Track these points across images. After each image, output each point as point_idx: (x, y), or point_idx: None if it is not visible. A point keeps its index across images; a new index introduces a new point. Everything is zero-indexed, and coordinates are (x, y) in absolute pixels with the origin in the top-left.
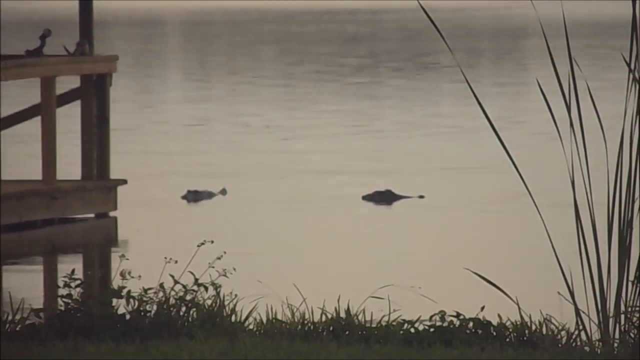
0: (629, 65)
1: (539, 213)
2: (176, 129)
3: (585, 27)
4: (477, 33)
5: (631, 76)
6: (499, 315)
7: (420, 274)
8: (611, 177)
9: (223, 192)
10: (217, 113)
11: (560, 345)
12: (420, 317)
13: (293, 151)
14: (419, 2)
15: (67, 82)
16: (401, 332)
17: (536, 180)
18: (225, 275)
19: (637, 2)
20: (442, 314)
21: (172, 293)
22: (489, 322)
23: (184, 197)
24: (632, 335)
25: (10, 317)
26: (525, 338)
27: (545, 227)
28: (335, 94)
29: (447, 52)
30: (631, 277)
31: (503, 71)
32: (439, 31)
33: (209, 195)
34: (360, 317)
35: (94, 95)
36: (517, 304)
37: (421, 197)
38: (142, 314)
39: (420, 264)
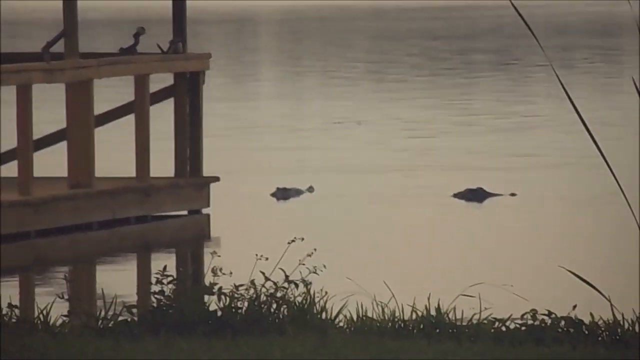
0: None
1: (632, 211)
2: (268, 126)
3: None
4: (571, 30)
5: None
6: (591, 314)
7: (511, 273)
8: None
9: (310, 189)
10: (308, 110)
11: None
12: (511, 315)
13: (382, 147)
14: (510, 2)
15: (160, 80)
16: (492, 330)
17: (630, 178)
18: (315, 273)
19: None
20: (534, 313)
21: (263, 290)
22: (581, 321)
23: (273, 195)
24: None
25: (103, 314)
26: (617, 337)
27: (638, 225)
28: (428, 90)
29: (538, 49)
30: None
31: (595, 69)
32: (530, 29)
33: (297, 192)
34: (450, 315)
35: (187, 93)
36: (610, 303)
37: (513, 194)
38: (234, 310)
39: (512, 262)
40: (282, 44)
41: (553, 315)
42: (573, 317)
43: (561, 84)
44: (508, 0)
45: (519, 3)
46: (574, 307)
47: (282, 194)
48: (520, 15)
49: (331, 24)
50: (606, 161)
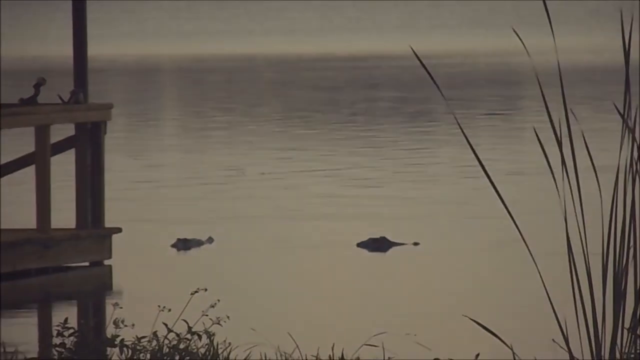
0: (621, 114)
1: (533, 260)
2: (169, 176)
3: (580, 73)
4: (472, 81)
5: (624, 125)
6: None
7: (415, 322)
8: (605, 224)
9: (210, 240)
10: (211, 160)
11: None
12: None
13: (285, 197)
14: (411, 48)
15: (61, 131)
16: None
17: (531, 226)
18: (218, 324)
19: (629, 53)
20: None
21: (166, 342)
22: None
23: (173, 246)
24: None
25: None
26: None
27: (539, 273)
28: (329, 140)
29: (442, 99)
30: (626, 325)
31: (498, 118)
32: (432, 79)
33: (198, 243)
34: None
35: (89, 144)
36: (512, 351)
37: (416, 243)
38: None
39: (416, 311)
40: (185, 93)
41: None
42: None
43: (463, 133)
44: (411, 51)
45: (422, 55)
46: (477, 355)
47: (183, 244)
48: (423, 65)
49: (236, 74)
50: (507, 208)
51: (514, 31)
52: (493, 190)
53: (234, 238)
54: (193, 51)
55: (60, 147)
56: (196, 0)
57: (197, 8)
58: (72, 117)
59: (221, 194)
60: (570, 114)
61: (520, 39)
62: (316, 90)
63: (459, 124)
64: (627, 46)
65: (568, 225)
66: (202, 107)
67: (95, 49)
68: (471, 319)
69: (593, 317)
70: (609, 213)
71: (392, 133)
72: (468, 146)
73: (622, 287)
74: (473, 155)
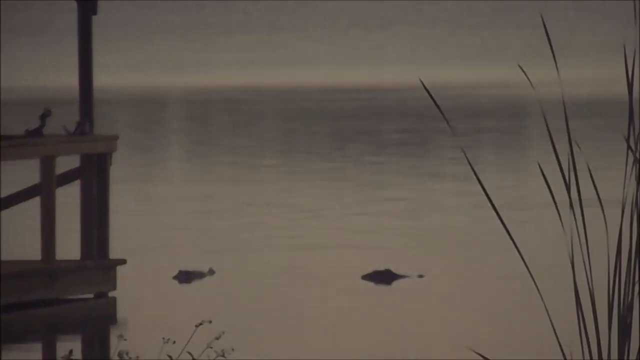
0: (629, 145)
1: (540, 293)
2: (173, 208)
3: (586, 106)
4: (478, 112)
5: (631, 157)
6: None
7: (420, 354)
8: (611, 259)
9: (211, 272)
10: (216, 191)
11: None
12: None
13: (289, 228)
14: (420, 80)
15: (67, 162)
16: None
17: (536, 260)
18: (223, 356)
19: (632, 85)
20: None
21: None
22: None
23: (175, 277)
24: None
25: None
26: None
27: (545, 308)
28: (335, 169)
29: (446, 131)
30: (632, 358)
31: (503, 150)
32: (439, 109)
33: (200, 275)
34: None
35: (94, 175)
36: None
37: (420, 276)
38: None
39: (420, 344)
40: (191, 125)
41: None
42: None
43: (470, 164)
44: (420, 83)
45: (430, 87)
46: None
47: (185, 276)
48: (431, 96)
49: (243, 105)
50: (513, 240)
51: (520, 67)
52: (498, 223)
53: (236, 269)
54: (198, 82)
55: (66, 178)
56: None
57: (202, 38)
58: (78, 148)
59: (224, 225)
60: (575, 147)
61: (526, 74)
62: (318, 121)
63: (465, 156)
64: (630, 78)
65: (574, 260)
66: (208, 138)
67: (97, 80)
68: (476, 352)
69: (598, 351)
70: (615, 247)
71: (396, 164)
72: (473, 178)
73: (628, 322)
74: (478, 187)
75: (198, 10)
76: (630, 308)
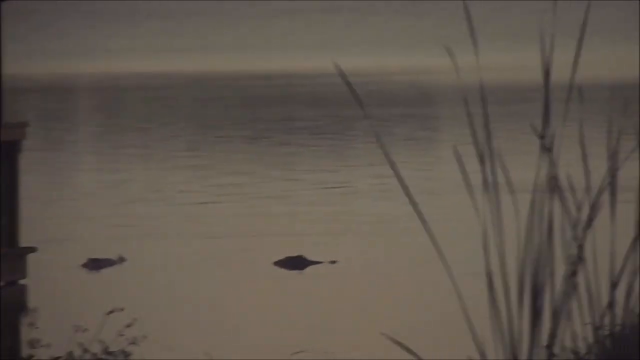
0: (539, 134)
1: (451, 277)
2: (83, 195)
3: (500, 92)
4: (393, 98)
5: (542, 144)
6: None
7: (333, 340)
8: (522, 243)
9: (121, 259)
10: (127, 179)
11: None
12: None
13: (204, 215)
14: (337, 65)
15: None
16: None
17: (449, 244)
18: (134, 343)
19: (549, 74)
20: None
21: None
22: None
23: (85, 265)
24: None
25: None
26: None
27: (457, 293)
28: (247, 157)
29: (361, 117)
30: (543, 342)
31: (418, 136)
32: (356, 96)
33: (110, 262)
34: None
35: (4, 163)
36: None
37: (333, 262)
38: None
39: (333, 329)
40: (102, 113)
41: None
42: None
43: (384, 151)
44: (336, 71)
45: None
46: None
47: (94, 264)
48: (349, 84)
49: (152, 92)
50: (426, 226)
51: (446, 50)
52: (412, 209)
53: (147, 257)
54: (109, 69)
55: None
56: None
57: (112, 25)
58: None
59: (134, 212)
60: (490, 133)
61: (452, 58)
62: (232, 108)
63: (380, 142)
64: (546, 65)
65: (486, 243)
66: (119, 125)
67: (10, 68)
68: (388, 336)
69: (510, 334)
70: (525, 232)
71: (310, 151)
72: (387, 164)
73: (539, 306)
74: (391, 173)
75: None
76: (540, 292)
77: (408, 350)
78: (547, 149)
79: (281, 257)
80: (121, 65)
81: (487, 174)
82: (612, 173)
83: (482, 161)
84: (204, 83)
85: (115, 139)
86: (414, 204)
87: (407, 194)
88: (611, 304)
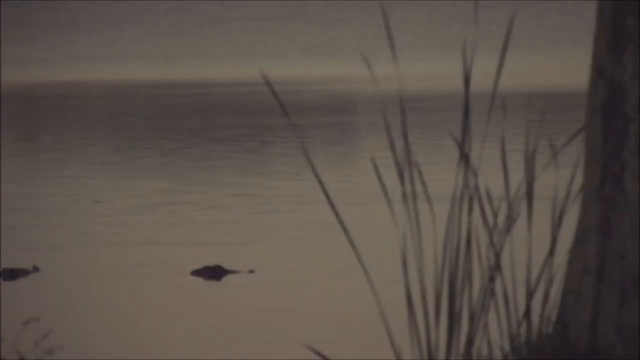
0: (458, 143)
1: (372, 287)
2: None
3: (421, 101)
4: (313, 107)
5: (461, 153)
6: None
7: (251, 351)
8: (439, 252)
9: (35, 269)
10: (40, 189)
11: None
12: None
13: (117, 224)
14: (262, 73)
15: None
16: None
17: (370, 254)
18: (50, 354)
19: (469, 83)
20: None
21: None
22: None
23: (0, 275)
24: None
25: None
26: None
27: (377, 302)
28: (166, 166)
29: (279, 126)
30: (460, 350)
31: (336, 145)
32: (280, 104)
33: (25, 272)
34: None
35: None
36: None
37: (251, 271)
38: None
39: (251, 341)
40: (13, 122)
41: None
42: None
43: (307, 159)
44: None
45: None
46: None
47: (9, 274)
48: (273, 92)
49: (69, 101)
50: (347, 235)
51: (364, 60)
52: (332, 218)
53: (62, 266)
54: (24, 78)
55: None
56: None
57: (14, 34)
58: None
59: (48, 222)
60: (408, 142)
61: (369, 68)
62: (150, 117)
63: (302, 151)
64: (467, 74)
65: (404, 253)
66: (33, 135)
67: None
68: (307, 346)
69: (427, 345)
70: (443, 241)
71: (227, 159)
72: (305, 173)
73: (456, 314)
74: (311, 183)
75: (20, 4)
76: (457, 300)
77: (327, 358)
78: (465, 157)
79: (199, 266)
80: (36, 74)
81: (405, 184)
82: (529, 182)
83: (400, 170)
84: (121, 92)
85: (29, 148)
86: (335, 213)
87: (329, 202)
88: (528, 313)
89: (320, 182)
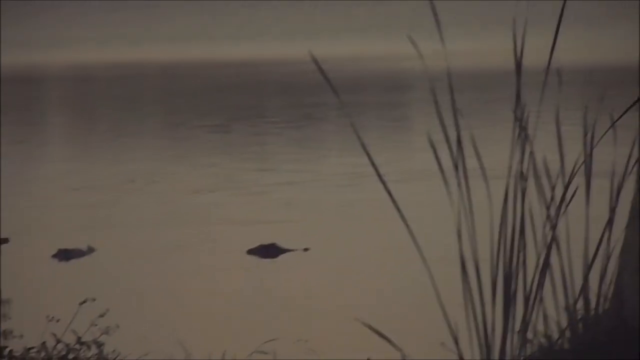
0: (517, 118)
1: (425, 263)
2: (53, 185)
3: (473, 78)
4: (365, 85)
5: (517, 128)
6: None
7: (307, 327)
8: (495, 228)
9: (90, 249)
10: (96, 169)
11: None
12: None
13: (173, 204)
14: (310, 52)
15: None
16: None
17: (422, 230)
18: (107, 333)
19: (521, 57)
20: None
21: (55, 352)
22: None
23: (55, 256)
24: None
25: None
26: None
27: (431, 278)
28: (218, 146)
29: (332, 104)
30: (516, 327)
31: (390, 122)
32: (329, 83)
33: (80, 253)
34: None
35: None
36: (402, 354)
37: (306, 249)
38: None
39: (307, 317)
40: (70, 103)
41: None
42: None
43: (358, 137)
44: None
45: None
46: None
47: (64, 255)
48: (322, 71)
49: (121, 81)
50: (400, 212)
51: (409, 39)
52: (384, 195)
53: (117, 246)
54: (77, 59)
55: None
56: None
57: (80, 15)
58: None
59: (104, 202)
60: (461, 119)
61: (416, 47)
62: (202, 96)
63: (353, 129)
64: (519, 52)
65: (459, 229)
66: (88, 115)
67: None
68: (362, 323)
69: (483, 319)
70: (499, 217)
71: (281, 138)
72: (359, 151)
73: (512, 291)
74: (364, 160)
75: None
76: (513, 277)
77: (382, 335)
78: (521, 132)
79: (254, 245)
80: (89, 55)
81: (459, 160)
82: (586, 157)
83: (453, 147)
84: (173, 72)
85: (84, 129)
86: (387, 190)
87: (381, 180)
88: (584, 289)
89: (371, 159)
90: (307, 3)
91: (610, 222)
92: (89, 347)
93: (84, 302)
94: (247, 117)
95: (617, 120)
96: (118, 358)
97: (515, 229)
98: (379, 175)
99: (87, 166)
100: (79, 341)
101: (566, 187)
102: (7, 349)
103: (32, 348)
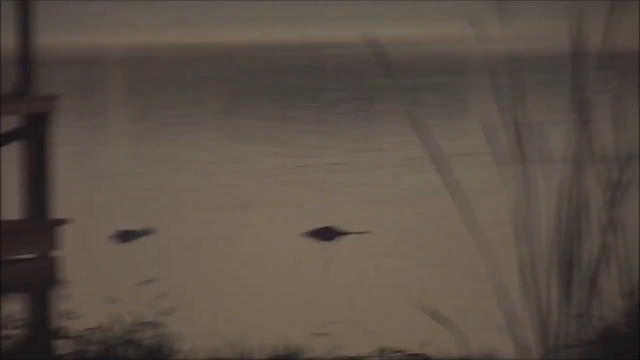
0: (574, 105)
1: (482, 248)
2: (115, 166)
3: (528, 62)
4: (422, 69)
5: (575, 112)
6: (445, 349)
7: (364, 310)
8: (554, 213)
9: (150, 231)
10: (157, 152)
11: None
12: (360, 353)
13: (233, 186)
14: (366, 37)
15: (8, 122)
16: None
17: (479, 214)
18: (165, 314)
19: (580, 41)
20: (382, 350)
21: (112, 333)
22: (429, 357)
23: (113, 237)
24: None
25: None
26: None
27: (488, 262)
28: (277, 129)
29: (390, 87)
30: (574, 311)
31: (447, 106)
32: (386, 66)
33: (139, 234)
34: (302, 354)
35: (34, 135)
36: (461, 339)
37: (363, 232)
38: (83, 354)
39: (364, 300)
40: (131, 85)
41: (401, 352)
42: (423, 353)
43: (415, 122)
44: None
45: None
46: (422, 344)
47: (123, 236)
48: (378, 55)
49: (181, 64)
50: (457, 197)
51: (470, 23)
52: (440, 179)
53: (177, 228)
54: (138, 41)
55: (6, 139)
56: None
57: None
58: (18, 109)
59: (164, 184)
60: (519, 103)
61: (474, 29)
62: (261, 78)
63: (410, 113)
64: (578, 36)
65: (515, 214)
66: (148, 97)
67: (40, 40)
68: (421, 307)
69: (539, 304)
70: (556, 203)
71: (341, 122)
72: (416, 135)
73: (570, 276)
74: (421, 145)
75: None
76: (571, 261)
77: (440, 318)
78: (579, 117)
79: (311, 227)
80: (148, 37)
81: (517, 145)
82: None
83: (511, 132)
84: (234, 54)
85: (144, 110)
86: (445, 174)
87: (438, 164)
88: None
89: (427, 143)
90: None
91: None
92: (146, 328)
93: (143, 283)
94: (307, 100)
95: None
96: (177, 339)
97: (573, 214)
98: (436, 160)
99: (147, 148)
100: (137, 322)
101: (622, 172)
102: (67, 329)
103: (92, 329)
